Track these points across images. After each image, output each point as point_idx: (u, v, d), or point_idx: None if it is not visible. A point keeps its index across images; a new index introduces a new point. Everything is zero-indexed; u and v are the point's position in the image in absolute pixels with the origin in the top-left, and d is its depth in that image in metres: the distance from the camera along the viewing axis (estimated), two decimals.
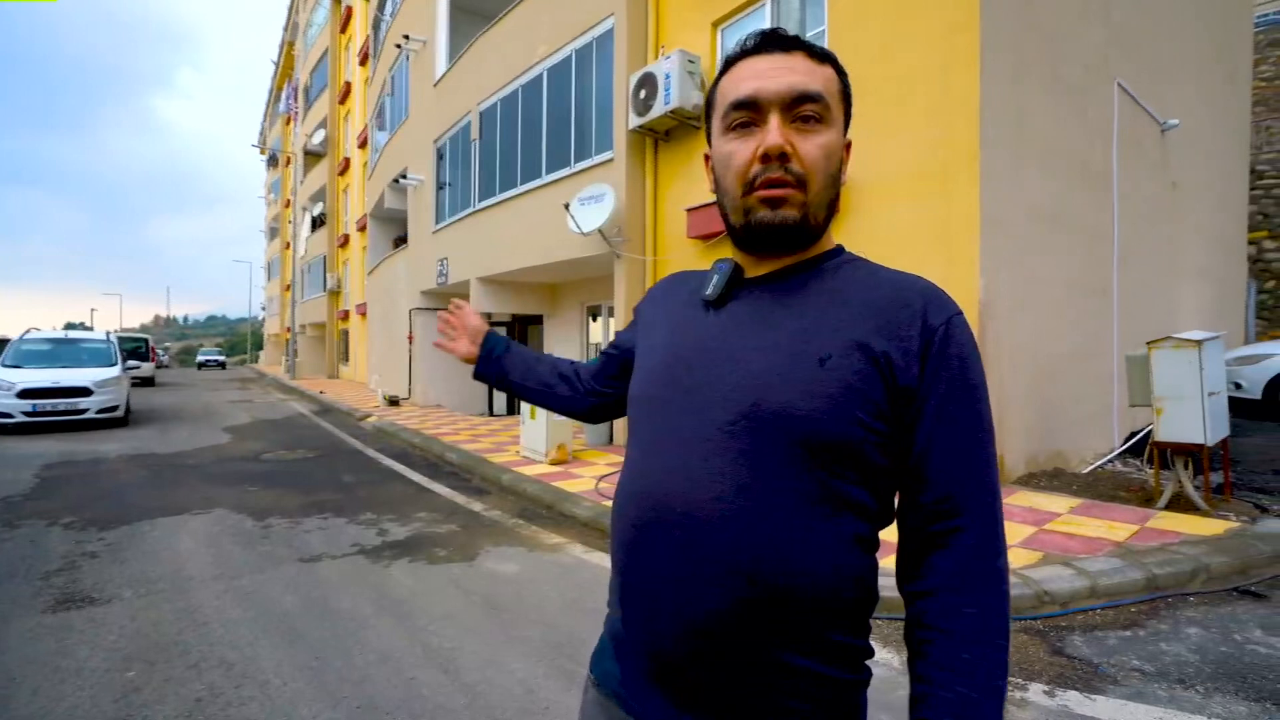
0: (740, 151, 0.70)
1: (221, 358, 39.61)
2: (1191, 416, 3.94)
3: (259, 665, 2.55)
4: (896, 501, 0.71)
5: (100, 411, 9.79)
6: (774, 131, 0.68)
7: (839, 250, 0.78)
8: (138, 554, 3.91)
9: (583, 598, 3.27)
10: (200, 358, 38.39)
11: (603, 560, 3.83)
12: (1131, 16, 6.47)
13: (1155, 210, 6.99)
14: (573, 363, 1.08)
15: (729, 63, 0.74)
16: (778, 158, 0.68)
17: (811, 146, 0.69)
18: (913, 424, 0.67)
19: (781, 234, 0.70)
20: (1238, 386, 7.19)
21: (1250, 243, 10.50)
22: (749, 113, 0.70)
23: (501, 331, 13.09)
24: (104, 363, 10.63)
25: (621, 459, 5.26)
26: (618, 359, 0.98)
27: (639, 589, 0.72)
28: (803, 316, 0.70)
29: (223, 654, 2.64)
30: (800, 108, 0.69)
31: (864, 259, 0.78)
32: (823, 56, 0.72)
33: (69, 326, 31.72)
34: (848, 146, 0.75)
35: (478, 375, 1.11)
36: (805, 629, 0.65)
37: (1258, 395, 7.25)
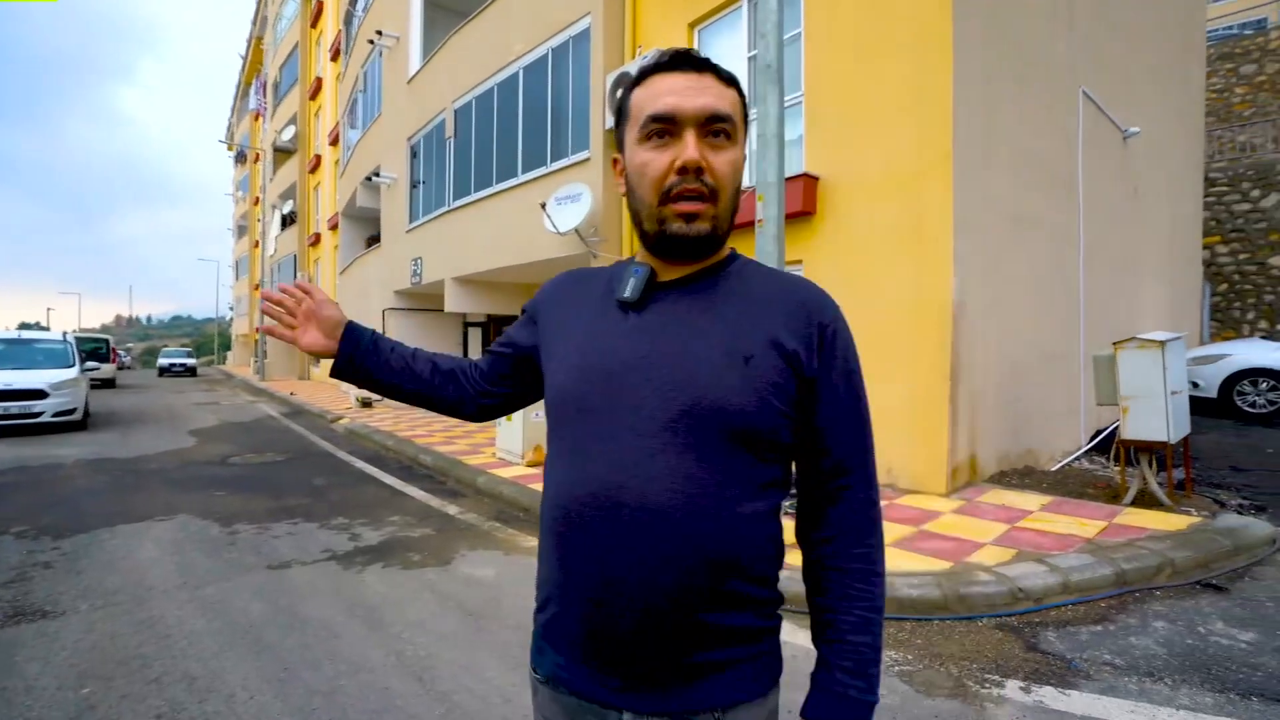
0: (656, 161, 0.75)
1: (190, 361, 28.67)
2: (1155, 415, 4.06)
3: (224, 678, 2.44)
4: (795, 469, 0.84)
5: (56, 415, 9.39)
6: (691, 147, 0.74)
7: (734, 254, 0.86)
8: (95, 564, 3.74)
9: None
10: (163, 360, 27.76)
11: None
12: (1095, 27, 6.67)
13: (1118, 214, 7.22)
14: (454, 359, 1.03)
15: (643, 75, 0.79)
16: (694, 170, 0.74)
17: (722, 162, 0.76)
18: (814, 406, 0.79)
19: (695, 245, 0.77)
20: (1195, 386, 7.47)
21: (1204, 247, 10.93)
22: (665, 125, 0.75)
23: (476, 334, 12.79)
24: (60, 364, 10.20)
25: None
26: (510, 358, 0.97)
27: (593, 579, 0.75)
28: (723, 319, 0.78)
29: (186, 667, 2.53)
30: (713, 126, 0.75)
31: (753, 260, 0.87)
32: (729, 80, 0.79)
33: (23, 326, 30.44)
34: (744, 162, 0.82)
35: (336, 372, 0.99)
36: (745, 591, 0.75)
37: (1214, 394, 7.54)
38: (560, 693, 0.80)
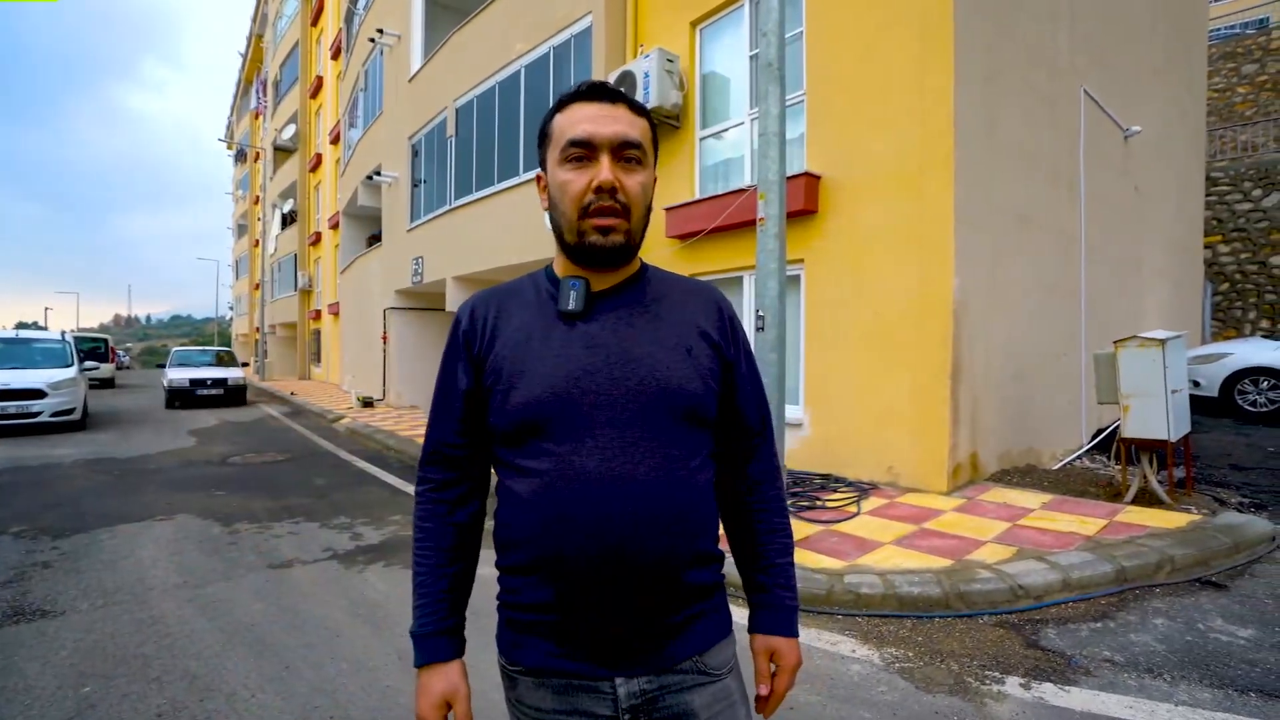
0: (576, 181, 0.85)
1: (227, 373, 14.02)
2: (1156, 413, 4.06)
3: (225, 677, 2.45)
4: (717, 440, 0.97)
5: (55, 414, 9.39)
6: (605, 170, 0.84)
7: (644, 263, 0.98)
8: (95, 563, 3.74)
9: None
10: (177, 374, 13.58)
11: None
12: (1096, 26, 6.67)
13: (1119, 214, 7.22)
14: (449, 509, 0.96)
15: (562, 103, 0.89)
16: (609, 190, 0.84)
17: (633, 183, 0.86)
18: (733, 383, 0.96)
19: (611, 254, 0.87)
20: (1196, 384, 7.47)
21: (1206, 246, 10.93)
22: (583, 149, 0.85)
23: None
24: (59, 363, 10.20)
25: None
26: (463, 409, 0.93)
27: (594, 561, 0.82)
28: (661, 320, 0.91)
29: (186, 666, 2.53)
30: (625, 151, 0.85)
31: (659, 268, 1.00)
32: (640, 110, 0.89)
33: (20, 326, 30.30)
34: (654, 181, 0.93)
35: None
36: (700, 549, 0.88)
37: (1215, 393, 7.53)
38: (548, 677, 0.86)
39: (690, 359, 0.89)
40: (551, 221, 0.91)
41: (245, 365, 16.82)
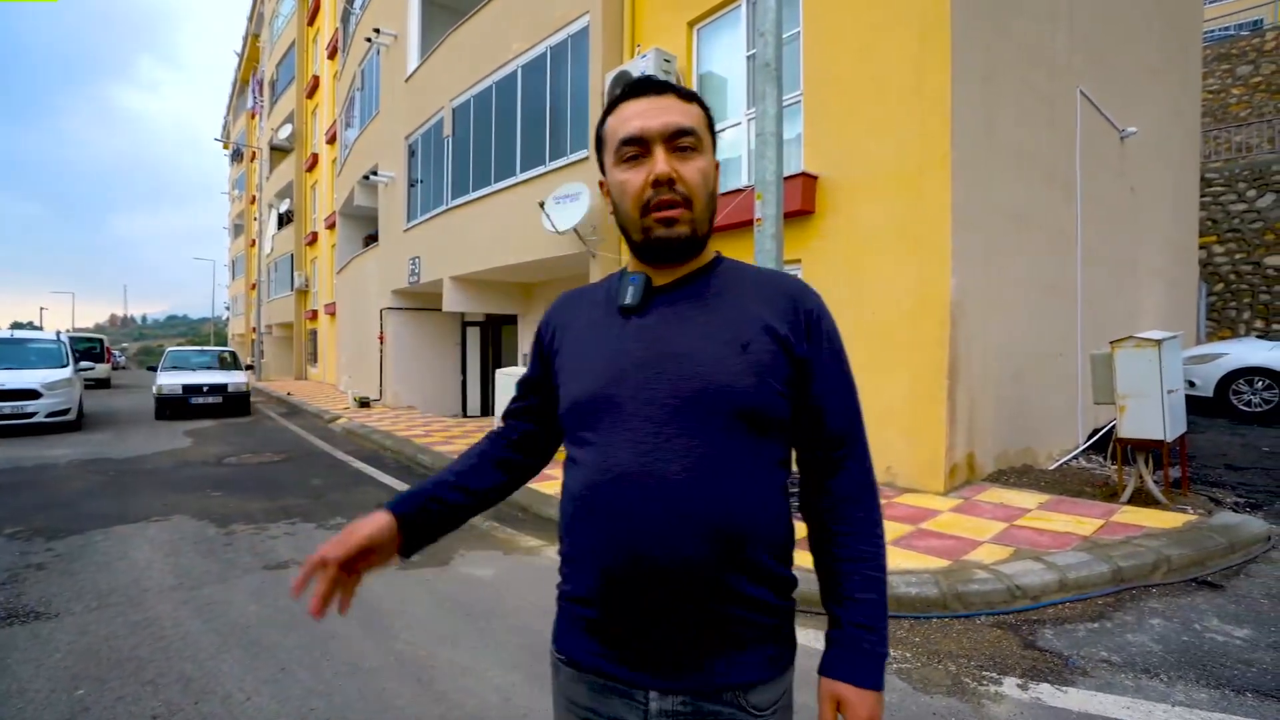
0: (633, 179, 0.84)
1: (229, 378, 12.10)
2: (1152, 413, 4.08)
3: (220, 679, 2.43)
4: (795, 448, 0.91)
5: (50, 415, 9.34)
6: (660, 161, 0.82)
7: (719, 257, 0.94)
8: (89, 565, 3.72)
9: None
10: (170, 379, 11.43)
11: None
12: (1093, 27, 6.69)
13: (1115, 214, 7.24)
14: (494, 440, 1.04)
15: (612, 106, 0.88)
16: (666, 182, 0.82)
17: (691, 170, 0.84)
18: (808, 384, 0.87)
19: (676, 247, 0.85)
20: (1191, 385, 7.50)
21: (1200, 247, 10.97)
22: (637, 147, 0.84)
23: (475, 333, 12.72)
24: (54, 364, 10.15)
25: None
26: (539, 402, 1.01)
27: (619, 558, 0.80)
28: (718, 312, 0.86)
29: (181, 668, 2.52)
30: (678, 140, 0.83)
31: (737, 261, 0.95)
32: (690, 96, 0.87)
33: (15, 326, 30.09)
34: (716, 167, 0.90)
35: (407, 554, 0.94)
36: (757, 564, 0.81)
37: (1210, 393, 7.56)
38: (586, 672, 0.85)
39: (744, 355, 0.83)
40: (617, 224, 0.90)
41: (249, 368, 14.75)
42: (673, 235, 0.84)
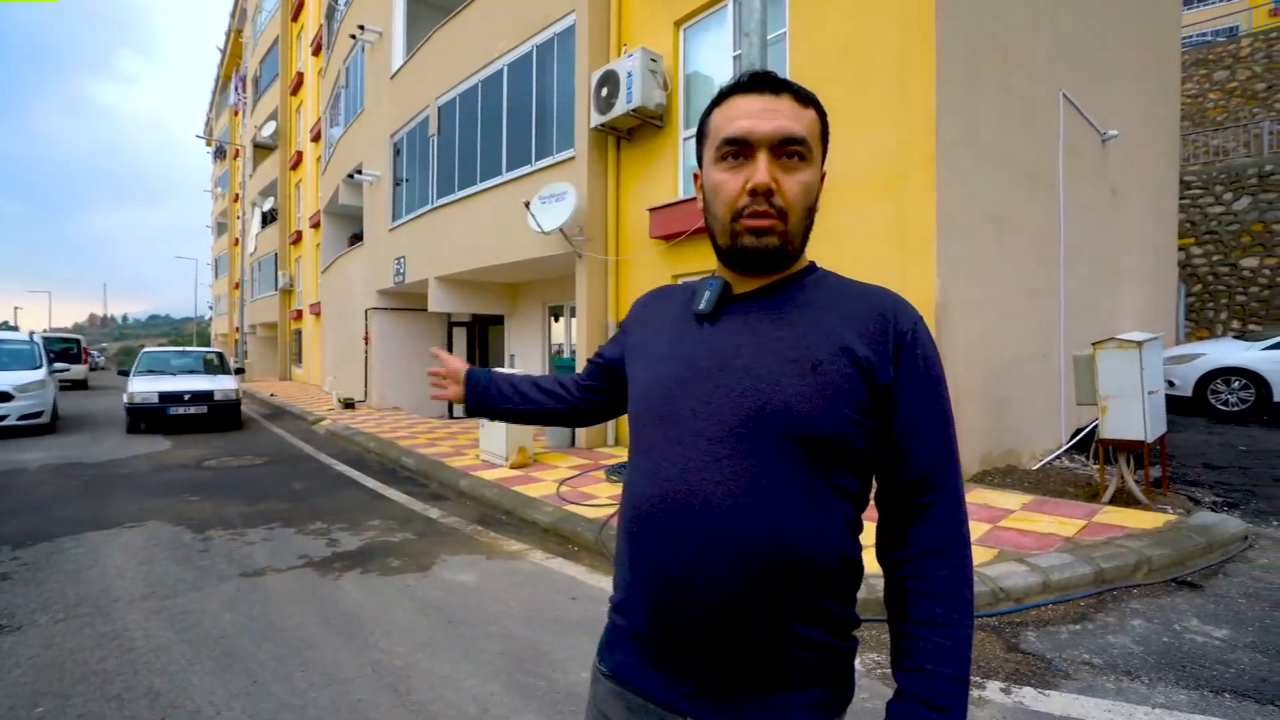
0: (730, 182, 0.78)
1: (219, 383, 10.06)
2: (1133, 414, 4.11)
3: (189, 693, 2.36)
4: (875, 485, 0.82)
5: (22, 418, 9.11)
6: (762, 170, 0.76)
7: (812, 266, 0.88)
8: (57, 574, 3.61)
9: (544, 608, 3.17)
10: (144, 386, 9.53)
11: (564, 567, 3.73)
12: (1075, 31, 6.75)
13: (1096, 216, 7.32)
14: (555, 377, 1.16)
15: (722, 96, 0.82)
16: (764, 193, 0.76)
17: (794, 184, 0.78)
18: (891, 416, 0.77)
19: (764, 258, 0.80)
20: (1170, 384, 7.60)
21: (1179, 249, 11.14)
22: (739, 147, 0.78)
23: (461, 334, 12.60)
24: (26, 365, 9.91)
25: (584, 462, 5.12)
26: (602, 367, 1.07)
27: (660, 579, 0.77)
28: (793, 327, 0.80)
29: (149, 682, 2.44)
30: (787, 148, 0.77)
31: (833, 273, 0.88)
32: (807, 100, 0.81)
33: None
34: (822, 178, 0.84)
35: (469, 411, 1.17)
36: (809, 602, 0.74)
37: (1188, 393, 7.68)
38: (624, 689, 0.82)
39: (814, 375, 0.75)
40: (705, 223, 0.85)
41: (240, 372, 12.58)
42: (760, 246, 0.79)
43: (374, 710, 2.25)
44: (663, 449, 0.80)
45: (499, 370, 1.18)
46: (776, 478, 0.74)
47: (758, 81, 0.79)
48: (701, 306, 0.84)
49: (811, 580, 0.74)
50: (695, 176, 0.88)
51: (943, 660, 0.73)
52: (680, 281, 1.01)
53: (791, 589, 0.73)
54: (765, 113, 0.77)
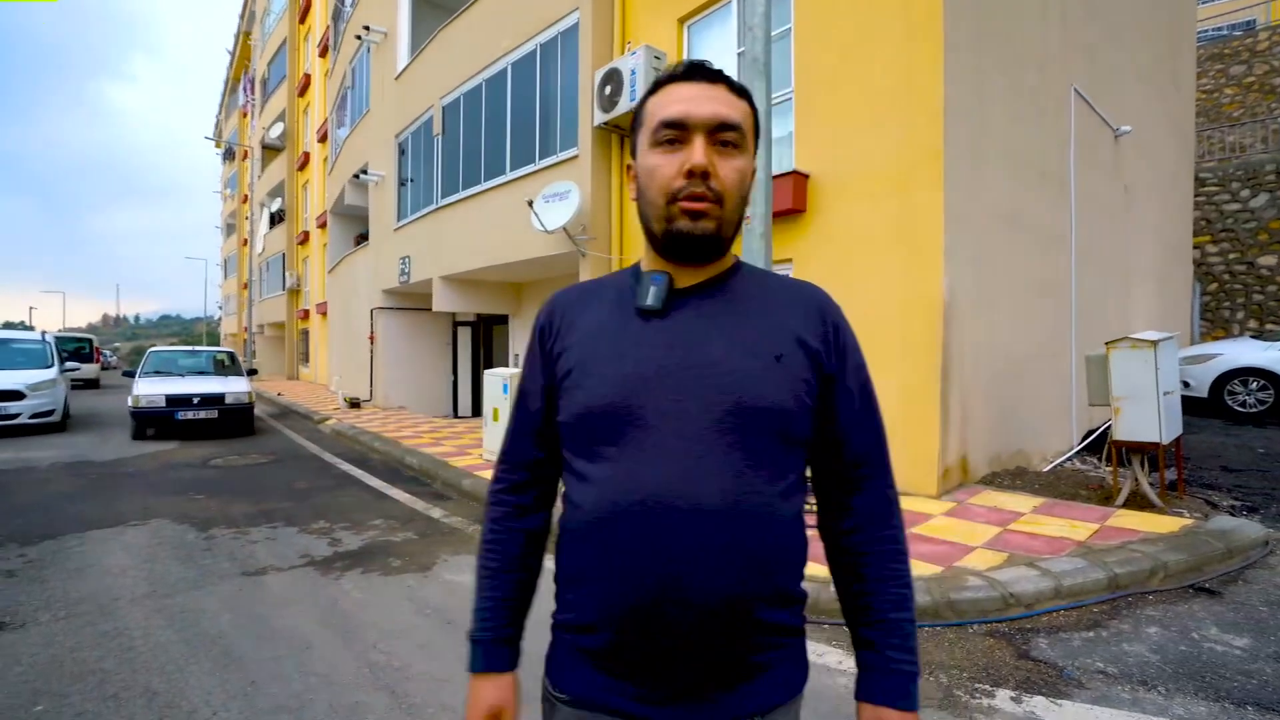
0: (665, 165, 0.78)
1: (232, 387, 9.47)
2: (1148, 415, 4.02)
3: (187, 693, 2.34)
4: (811, 465, 0.87)
5: (34, 416, 9.19)
6: (699, 151, 0.76)
7: (739, 260, 0.89)
8: (61, 572, 3.62)
9: (544, 609, 3.13)
10: (151, 388, 8.99)
11: None
12: (1086, 25, 6.64)
13: (1109, 214, 7.20)
14: (503, 525, 0.93)
15: (658, 84, 0.82)
16: (701, 175, 0.76)
17: (729, 169, 0.78)
18: (832, 401, 0.83)
19: (699, 244, 0.79)
20: (1186, 385, 7.46)
21: (1194, 246, 10.96)
22: (676, 131, 0.78)
23: (466, 334, 12.57)
24: (39, 364, 10.00)
25: None
26: (542, 418, 0.89)
27: (648, 587, 0.74)
28: (748, 320, 0.81)
29: (147, 681, 2.42)
30: (721, 134, 0.78)
31: (756, 266, 0.92)
32: (741, 91, 0.82)
33: (6, 326, 29.70)
34: (754, 171, 0.84)
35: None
36: (779, 588, 0.78)
37: (1204, 394, 7.53)
38: (591, 711, 0.79)
39: (780, 368, 0.78)
40: (640, 213, 0.83)
41: (253, 373, 11.61)
42: (697, 230, 0.78)
43: (370, 713, 2.22)
44: (632, 453, 0.76)
45: (483, 606, 0.91)
46: (758, 470, 0.76)
47: (694, 71, 0.80)
48: (649, 302, 0.81)
49: (782, 567, 0.78)
50: (628, 168, 0.87)
51: (902, 607, 0.82)
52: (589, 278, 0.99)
53: (770, 578, 0.76)
54: (702, 98, 0.78)
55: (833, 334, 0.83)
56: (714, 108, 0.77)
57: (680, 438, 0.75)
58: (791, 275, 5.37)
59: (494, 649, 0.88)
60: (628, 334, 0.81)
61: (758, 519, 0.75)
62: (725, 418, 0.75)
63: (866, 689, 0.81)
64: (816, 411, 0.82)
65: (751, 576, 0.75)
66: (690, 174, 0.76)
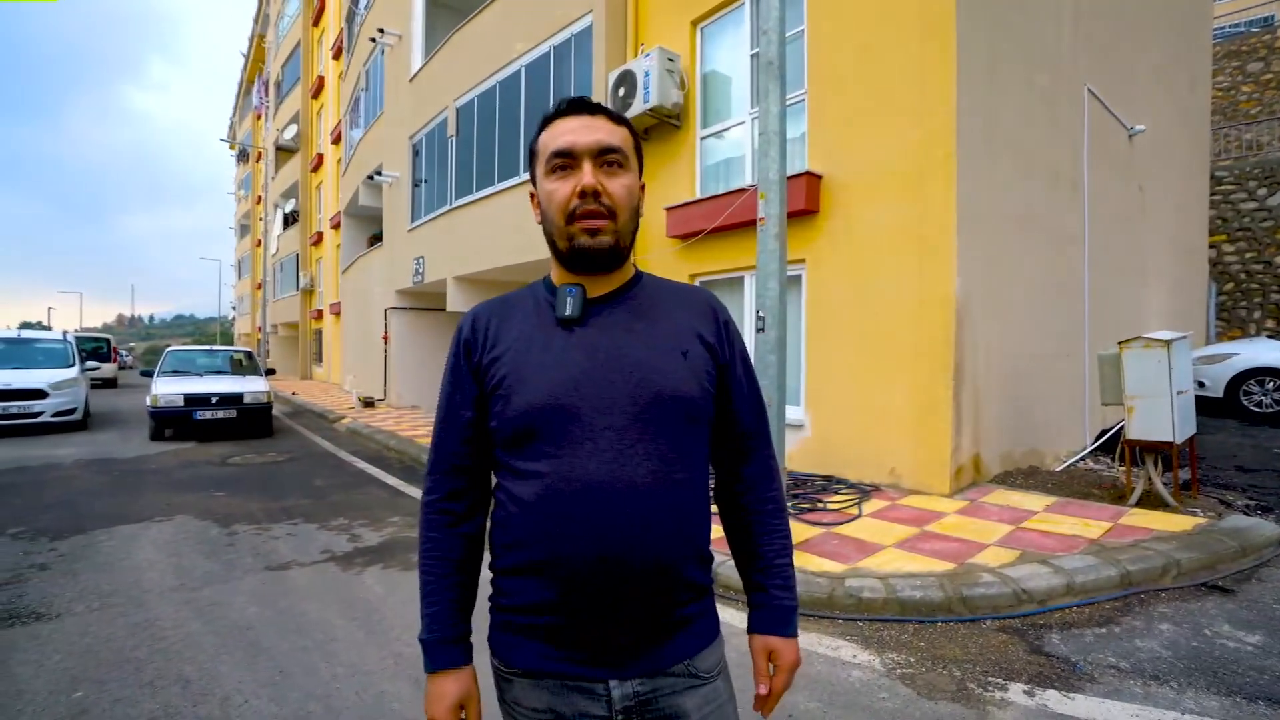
0: (561, 189, 0.89)
1: (250, 386, 9.46)
2: (1161, 415, 4.02)
3: (219, 681, 2.42)
4: (711, 441, 1.00)
5: (56, 415, 9.39)
6: (588, 174, 0.88)
7: (639, 271, 1.01)
8: (92, 565, 3.73)
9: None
10: (169, 387, 8.95)
11: None
12: (1100, 24, 6.62)
13: (1123, 213, 7.16)
14: (443, 531, 0.97)
15: (546, 121, 0.93)
16: (592, 194, 0.87)
17: (617, 185, 0.89)
18: (726, 387, 0.98)
19: (600, 256, 0.90)
20: (1200, 385, 7.41)
21: (1210, 246, 10.85)
22: (566, 159, 0.89)
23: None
24: (60, 363, 10.21)
25: None
26: (473, 428, 0.95)
27: (591, 565, 0.83)
28: (656, 322, 0.94)
29: (180, 670, 2.51)
30: (606, 156, 0.89)
31: (652, 274, 1.02)
32: (619, 120, 0.93)
33: (24, 326, 30.25)
34: (642, 188, 0.96)
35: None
36: (699, 551, 0.92)
37: (1219, 394, 7.47)
38: (544, 679, 0.88)
39: (686, 362, 0.91)
40: (545, 232, 0.94)
41: (270, 373, 11.71)
42: (596, 245, 0.88)
43: (397, 701, 2.29)
44: (572, 449, 0.85)
45: (433, 611, 0.96)
46: (679, 452, 0.88)
47: (575, 106, 0.92)
48: (569, 312, 0.90)
49: (699, 531, 0.91)
50: (531, 196, 0.97)
51: (784, 554, 1.00)
52: (539, 288, 1.01)
53: (691, 541, 0.89)
54: (584, 129, 0.89)
55: (724, 330, 0.98)
56: (596, 136, 0.88)
57: (612, 430, 0.85)
58: (805, 276, 5.41)
59: (452, 647, 0.94)
60: (554, 342, 0.90)
61: (680, 491, 0.88)
62: (648, 409, 0.87)
63: (757, 622, 0.98)
64: (716, 397, 0.96)
65: (678, 542, 0.87)
66: (583, 194, 0.87)
